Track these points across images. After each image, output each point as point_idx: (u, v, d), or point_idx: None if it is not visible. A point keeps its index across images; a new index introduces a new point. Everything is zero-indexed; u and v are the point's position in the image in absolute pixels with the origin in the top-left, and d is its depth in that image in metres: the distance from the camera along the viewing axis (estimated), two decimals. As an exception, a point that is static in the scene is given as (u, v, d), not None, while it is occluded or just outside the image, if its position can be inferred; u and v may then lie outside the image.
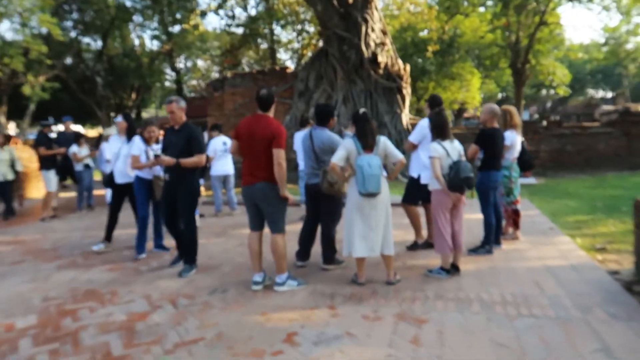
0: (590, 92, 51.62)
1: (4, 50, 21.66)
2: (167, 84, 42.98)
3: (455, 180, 5.07)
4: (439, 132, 5.32)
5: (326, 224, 5.74)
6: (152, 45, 33.09)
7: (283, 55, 35.31)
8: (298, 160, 8.82)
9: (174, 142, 5.55)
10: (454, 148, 5.30)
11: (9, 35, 32.81)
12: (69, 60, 32.01)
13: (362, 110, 5.14)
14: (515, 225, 6.80)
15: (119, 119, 7.25)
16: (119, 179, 6.78)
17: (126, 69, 29.36)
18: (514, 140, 6.42)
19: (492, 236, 6.16)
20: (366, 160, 4.82)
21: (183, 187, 5.56)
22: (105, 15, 29.46)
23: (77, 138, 10.85)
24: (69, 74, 29.41)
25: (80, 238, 8.01)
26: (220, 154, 9.47)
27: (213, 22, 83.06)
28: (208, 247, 7.12)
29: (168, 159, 5.43)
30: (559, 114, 52.48)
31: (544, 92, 53.09)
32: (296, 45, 32.64)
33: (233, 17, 29.16)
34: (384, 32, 15.02)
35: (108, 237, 7.03)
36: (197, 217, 8.24)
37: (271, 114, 5.07)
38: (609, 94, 51.41)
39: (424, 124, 6.25)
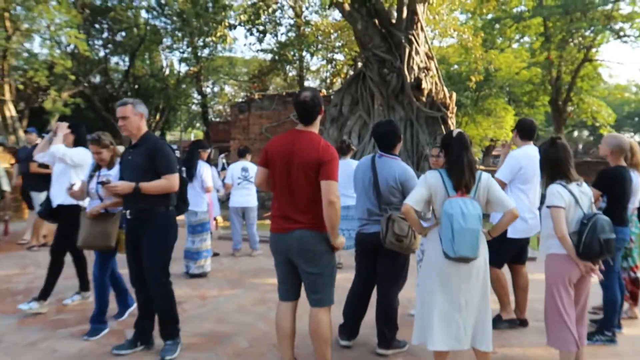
0: (626, 135, 49.27)
1: (29, 63, 20.76)
2: (193, 107, 42.24)
3: (592, 244, 3.31)
4: (559, 169, 3.60)
5: (385, 290, 4.00)
6: (180, 67, 32.18)
7: (311, 84, 34.18)
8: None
9: (132, 162, 3.85)
10: (584, 194, 3.56)
11: (37, 50, 32.56)
12: (97, 79, 31.34)
13: (456, 131, 3.45)
14: (634, 299, 4.96)
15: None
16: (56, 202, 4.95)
17: (152, 89, 28.40)
18: (637, 184, 4.65)
19: (616, 318, 4.34)
20: (459, 206, 3.13)
21: (149, 227, 3.78)
22: (134, 36, 28.78)
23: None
24: (95, 92, 28.61)
25: (63, 277, 6.39)
26: (240, 182, 7.91)
27: (241, 43, 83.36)
28: (219, 303, 5.43)
29: (122, 185, 3.71)
30: (590, 157, 50.19)
31: (575, 133, 50.98)
32: (325, 74, 31.50)
33: (264, 34, 28.19)
34: (429, 57, 13.49)
35: (44, 294, 4.97)
36: (208, 258, 6.65)
37: (316, 129, 3.45)
38: (645, 138, 49.01)
39: (518, 155, 4.57)
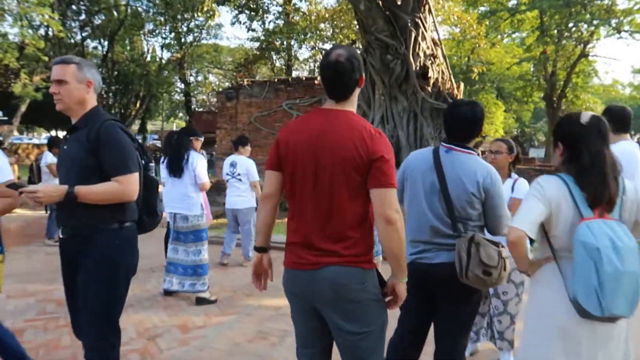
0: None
1: (-4, 43, 19.01)
2: (175, 96, 40.53)
3: None
4: None
5: (449, 347, 2.75)
6: (163, 54, 30.51)
7: (300, 74, 32.83)
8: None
9: (68, 153, 2.52)
10: None
11: (7, 30, 30.47)
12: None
13: (587, 114, 2.20)
14: None
15: None
16: None
17: (132, 75, 26.67)
18: None
19: None
20: (607, 235, 1.91)
21: (89, 253, 2.43)
22: (114, 19, 26.99)
23: (52, 144, 8.33)
24: (70, 77, 26.79)
25: (5, 293, 5.04)
26: (228, 180, 6.67)
27: (227, 31, 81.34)
28: (206, 338, 4.14)
29: (46, 190, 2.31)
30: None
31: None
32: (314, 65, 30.19)
33: (256, 12, 26.64)
34: (436, 43, 12.26)
35: None
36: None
37: (353, 107, 2.21)
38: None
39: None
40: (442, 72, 12.06)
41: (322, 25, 25.68)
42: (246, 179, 6.64)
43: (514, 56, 30.07)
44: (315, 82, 13.18)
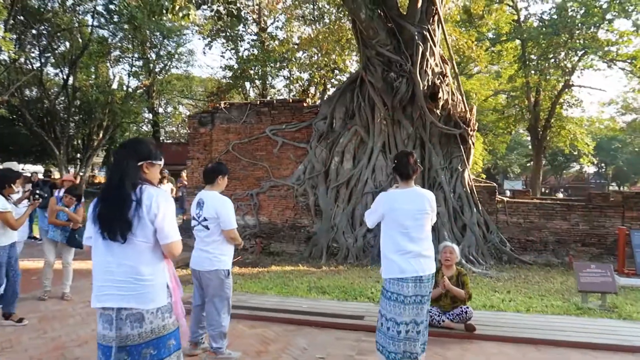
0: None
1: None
2: (143, 127, 38.01)
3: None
4: None
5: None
6: (130, 81, 28.27)
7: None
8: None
9: None
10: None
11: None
12: (33, 92, 26.91)
13: None
14: None
15: None
16: None
17: (95, 103, 24.21)
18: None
19: None
20: None
21: None
22: (76, 44, 24.67)
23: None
24: (26, 105, 24.16)
25: None
26: (195, 227, 4.41)
27: (200, 59, 79.23)
28: None
29: None
30: (549, 186, 49.30)
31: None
32: (287, 95, 28.44)
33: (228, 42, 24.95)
34: (444, 60, 10.60)
35: None
36: None
37: None
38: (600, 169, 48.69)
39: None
40: (452, 93, 10.31)
41: (299, 55, 24.14)
42: (216, 226, 4.26)
43: (489, 89, 29.13)
44: (304, 104, 11.22)
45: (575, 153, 25.89)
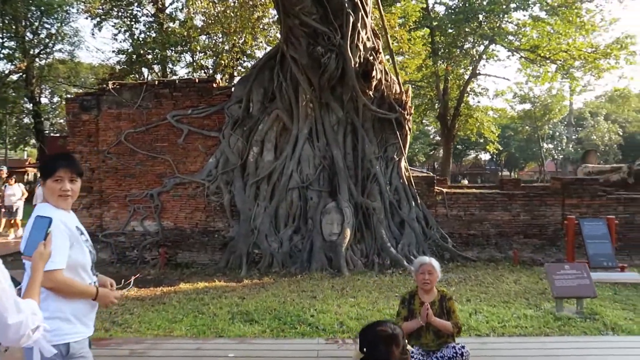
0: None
1: None
2: (26, 119, 33.01)
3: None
4: None
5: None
6: (3, 67, 23.97)
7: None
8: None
9: None
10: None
11: None
12: None
13: None
14: None
15: None
16: None
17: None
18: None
19: None
20: None
21: None
22: None
23: None
24: None
25: None
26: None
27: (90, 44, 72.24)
28: None
29: None
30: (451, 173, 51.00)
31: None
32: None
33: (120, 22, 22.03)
34: (376, 34, 9.23)
35: None
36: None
37: None
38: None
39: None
40: (386, 72, 8.98)
41: (203, 38, 21.75)
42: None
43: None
44: (214, 85, 9.28)
45: (482, 140, 26.30)
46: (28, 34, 24.45)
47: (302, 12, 8.13)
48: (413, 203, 8.80)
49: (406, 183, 8.88)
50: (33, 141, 36.42)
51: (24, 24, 24.26)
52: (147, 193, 9.19)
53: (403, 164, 9.01)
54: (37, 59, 25.34)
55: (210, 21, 16.69)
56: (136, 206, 9.18)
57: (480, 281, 7.46)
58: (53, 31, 24.50)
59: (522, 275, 7.84)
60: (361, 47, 8.53)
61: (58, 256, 2.11)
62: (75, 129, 9.31)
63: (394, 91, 8.93)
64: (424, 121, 27.58)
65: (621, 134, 36.11)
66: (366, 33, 8.68)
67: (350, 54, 8.23)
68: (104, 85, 9.28)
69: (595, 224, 7.74)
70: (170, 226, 9.23)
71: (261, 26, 17.78)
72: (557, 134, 40.75)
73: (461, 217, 9.11)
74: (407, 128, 8.94)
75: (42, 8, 21.47)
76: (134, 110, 9.20)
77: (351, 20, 8.22)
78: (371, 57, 8.46)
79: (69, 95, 28.39)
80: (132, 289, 7.51)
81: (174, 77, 23.94)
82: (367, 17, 8.56)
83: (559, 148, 41.59)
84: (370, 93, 8.68)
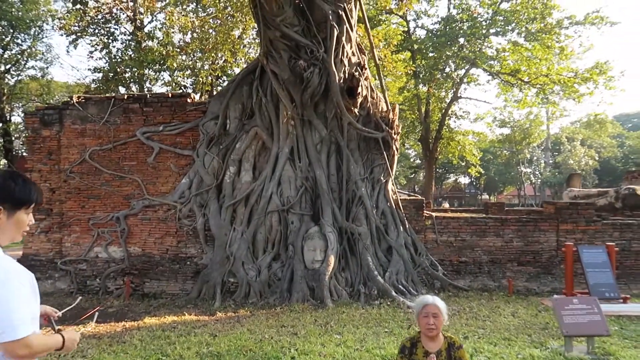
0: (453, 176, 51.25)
1: None
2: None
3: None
4: None
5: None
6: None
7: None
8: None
9: None
10: None
11: None
12: None
13: None
14: None
15: None
16: None
17: None
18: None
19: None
20: None
21: None
22: None
23: None
24: None
25: None
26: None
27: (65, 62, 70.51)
28: None
29: None
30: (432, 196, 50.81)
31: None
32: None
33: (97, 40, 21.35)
34: (361, 50, 8.72)
35: None
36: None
37: None
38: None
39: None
40: (372, 89, 8.47)
41: (182, 58, 21.10)
42: None
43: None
44: (188, 100, 8.62)
45: (463, 164, 26.01)
46: (-2, 50, 23.48)
47: (284, 23, 7.58)
48: (401, 228, 8.19)
49: (394, 206, 8.27)
50: (4, 161, 34.92)
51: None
52: (112, 216, 8.37)
53: (390, 186, 8.42)
54: (7, 76, 24.31)
55: (187, 38, 16.10)
56: (100, 230, 8.35)
57: (475, 314, 6.83)
58: (25, 47, 23.59)
59: (519, 306, 7.24)
60: (346, 61, 8.01)
61: (27, 314, 1.70)
62: (34, 145, 8.50)
63: (380, 109, 8.40)
64: (404, 144, 27.25)
65: (597, 159, 36.48)
66: (351, 47, 8.18)
67: (334, 69, 7.69)
68: (68, 99, 8.52)
69: (594, 252, 7.21)
70: (138, 252, 8.40)
71: (241, 46, 17.26)
72: (535, 158, 41.01)
73: (452, 243, 8.52)
74: (394, 148, 8.38)
75: (13, 23, 20.60)
76: (100, 126, 8.44)
77: (335, 33, 7.70)
78: (356, 73, 7.94)
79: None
80: (88, 324, 6.62)
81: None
82: (352, 30, 8.06)
83: (537, 172, 41.85)
84: (356, 111, 8.12)
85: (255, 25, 9.59)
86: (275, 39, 7.73)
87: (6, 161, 30.22)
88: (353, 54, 8.24)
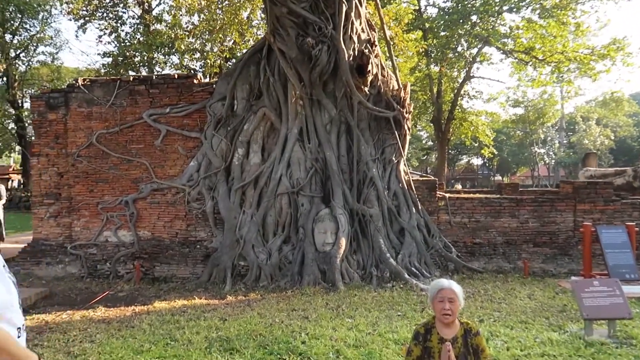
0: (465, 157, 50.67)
1: None
2: (12, 125, 31.80)
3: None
4: None
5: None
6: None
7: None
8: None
9: None
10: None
11: None
12: None
13: None
14: None
15: None
16: None
17: None
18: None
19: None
20: None
21: None
22: None
23: None
24: None
25: None
26: None
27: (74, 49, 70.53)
28: None
29: None
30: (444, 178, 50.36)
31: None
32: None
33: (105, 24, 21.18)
34: (371, 26, 8.44)
35: None
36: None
37: None
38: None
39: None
40: (382, 67, 8.18)
41: (191, 40, 20.83)
42: None
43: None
44: (195, 81, 8.43)
45: (476, 145, 25.61)
46: (7, 35, 23.43)
47: (292, 0, 7.31)
48: (413, 209, 7.99)
49: (406, 187, 8.06)
50: (18, 147, 35.16)
51: (1, 24, 23.26)
52: (121, 200, 8.29)
53: (402, 166, 8.20)
54: (17, 62, 24.28)
55: (195, 19, 15.84)
56: (109, 214, 8.27)
57: (490, 296, 6.65)
58: (33, 32, 23.52)
59: (535, 288, 7.05)
60: (355, 38, 7.74)
61: None
62: (41, 129, 8.40)
63: (391, 87, 8.14)
64: (416, 125, 26.85)
65: (613, 138, 35.74)
66: (360, 24, 7.89)
67: (343, 46, 7.43)
68: (74, 81, 8.38)
69: (614, 232, 6.96)
70: (147, 236, 8.32)
71: (249, 27, 16.98)
72: (549, 138, 40.30)
73: (465, 224, 8.31)
74: (406, 127, 8.14)
75: (21, 8, 20.47)
76: (107, 109, 8.31)
77: (344, 8, 7.42)
78: (366, 50, 7.66)
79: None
80: (98, 308, 6.62)
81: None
82: (361, 5, 7.78)
83: (551, 152, 41.16)
84: (366, 89, 7.87)
85: (262, 3, 9.31)
86: (282, 15, 7.47)
87: (20, 147, 30.44)
88: (362, 31, 7.96)
